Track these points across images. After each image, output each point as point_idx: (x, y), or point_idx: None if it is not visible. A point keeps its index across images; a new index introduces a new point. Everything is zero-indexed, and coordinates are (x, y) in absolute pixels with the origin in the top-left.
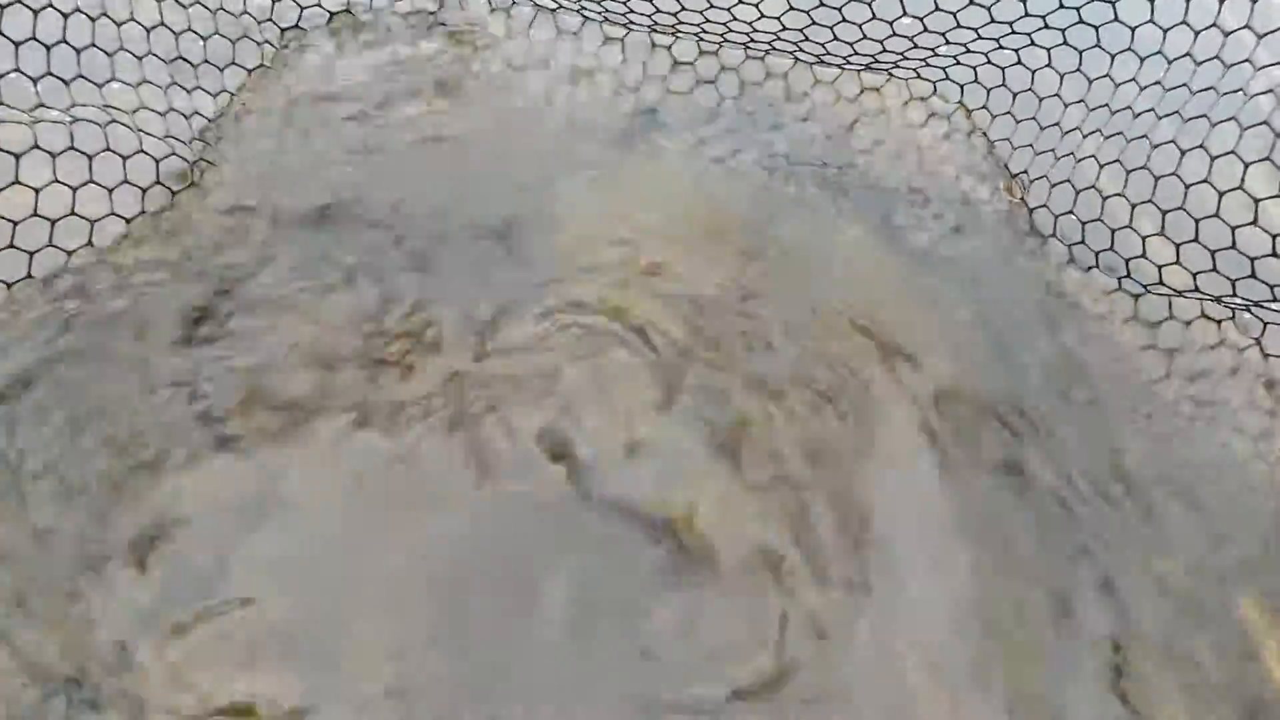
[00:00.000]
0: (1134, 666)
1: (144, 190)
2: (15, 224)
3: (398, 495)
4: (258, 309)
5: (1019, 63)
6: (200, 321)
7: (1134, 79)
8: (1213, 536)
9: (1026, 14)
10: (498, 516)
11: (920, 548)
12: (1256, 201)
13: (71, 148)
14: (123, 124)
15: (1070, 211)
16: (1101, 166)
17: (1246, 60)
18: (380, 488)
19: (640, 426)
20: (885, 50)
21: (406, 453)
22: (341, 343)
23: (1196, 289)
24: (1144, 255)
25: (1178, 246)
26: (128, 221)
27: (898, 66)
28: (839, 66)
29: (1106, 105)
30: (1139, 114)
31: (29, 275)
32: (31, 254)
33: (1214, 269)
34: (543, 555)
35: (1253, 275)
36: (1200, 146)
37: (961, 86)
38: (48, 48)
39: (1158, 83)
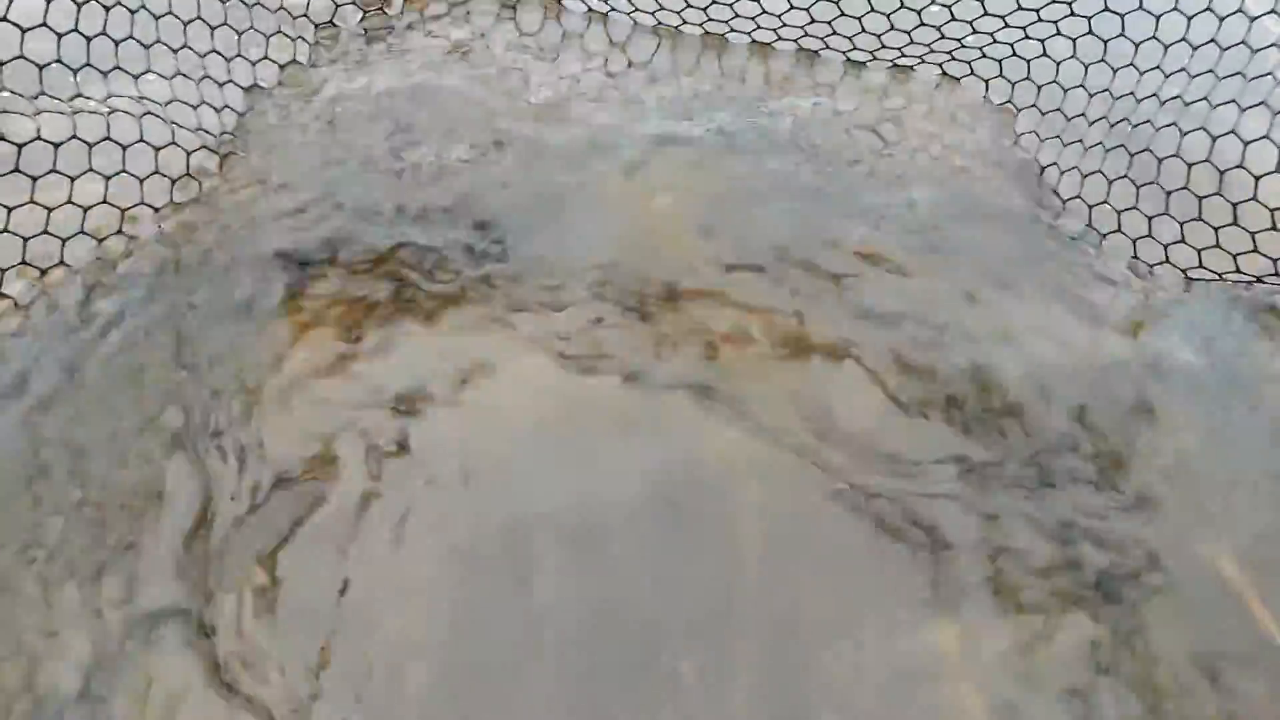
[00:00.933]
0: None
1: (173, 181)
2: (49, 210)
3: None
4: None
5: (1049, 56)
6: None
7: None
8: None
9: (1071, 14)
10: None
11: None
12: None
13: (107, 138)
14: (156, 115)
15: (1105, 201)
16: (1132, 155)
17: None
18: None
19: None
20: (912, 42)
21: None
22: None
23: (1237, 270)
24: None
25: (1216, 230)
26: (156, 210)
27: (923, 62)
28: (868, 58)
29: (1132, 93)
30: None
31: (61, 263)
32: (64, 240)
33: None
34: None
35: None
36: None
37: (987, 81)
38: (88, 39)
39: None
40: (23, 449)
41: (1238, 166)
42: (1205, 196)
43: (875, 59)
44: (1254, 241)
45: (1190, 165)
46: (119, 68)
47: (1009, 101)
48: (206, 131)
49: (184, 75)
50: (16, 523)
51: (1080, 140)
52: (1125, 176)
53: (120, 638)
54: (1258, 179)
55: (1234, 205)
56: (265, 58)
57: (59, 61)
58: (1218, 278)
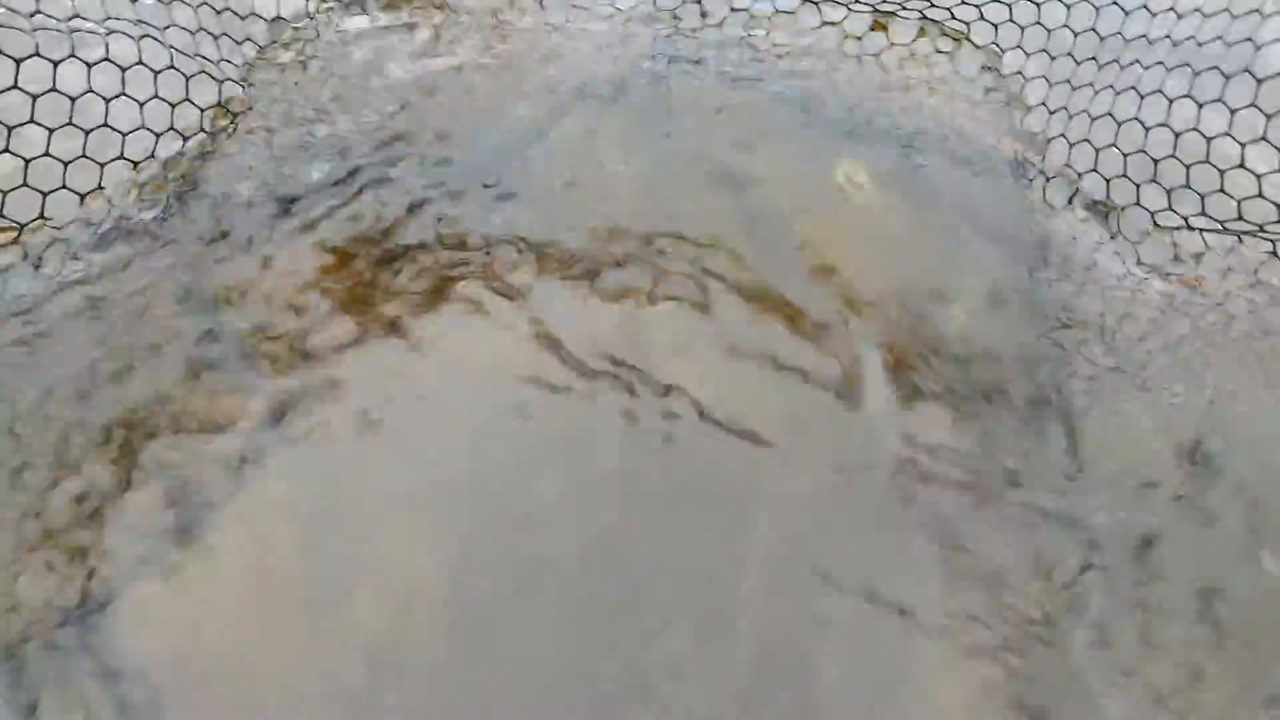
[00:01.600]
0: None
1: (202, 111)
2: (88, 133)
3: None
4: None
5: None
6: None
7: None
8: None
9: None
10: None
11: None
12: None
13: (140, 63)
14: (179, 50)
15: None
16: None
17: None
18: None
19: None
20: None
21: None
22: None
23: (1223, 228)
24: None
25: (1222, 173)
26: (185, 139)
27: (904, 7)
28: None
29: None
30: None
31: (100, 186)
32: (103, 165)
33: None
34: None
35: None
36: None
37: (996, 26)
38: None
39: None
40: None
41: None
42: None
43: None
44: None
45: (1178, 135)
46: None
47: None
48: (230, 62)
49: (208, 4)
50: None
51: (1067, 81)
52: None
53: None
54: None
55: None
56: None
57: None
58: (1219, 226)
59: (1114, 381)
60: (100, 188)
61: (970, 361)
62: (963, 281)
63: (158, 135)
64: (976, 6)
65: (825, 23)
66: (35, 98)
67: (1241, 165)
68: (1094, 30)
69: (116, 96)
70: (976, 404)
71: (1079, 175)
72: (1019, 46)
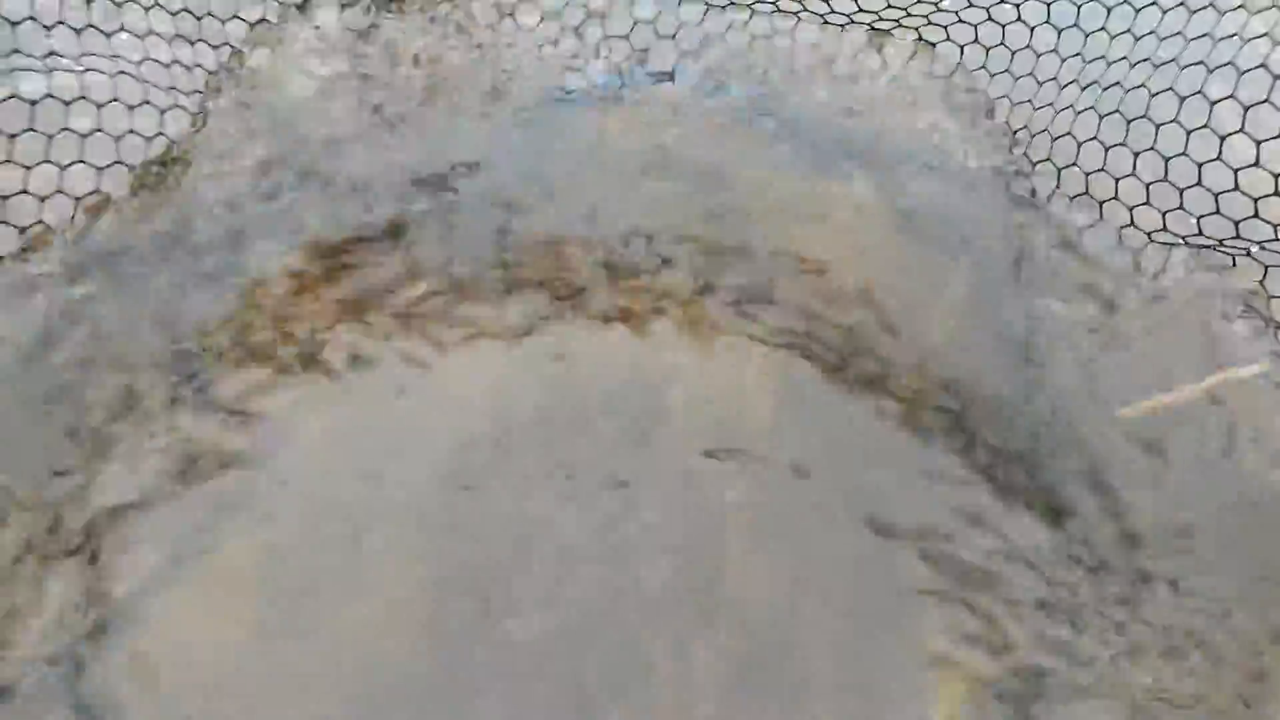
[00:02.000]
0: None
1: (148, 140)
2: (29, 169)
3: None
4: None
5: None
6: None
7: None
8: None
9: None
10: None
11: None
12: (1258, 143)
13: (82, 97)
14: (130, 74)
15: (1073, 164)
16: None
17: (1240, 5)
18: None
19: None
20: (890, 6)
21: None
22: None
23: (1200, 233)
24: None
25: (1181, 191)
26: (132, 170)
27: (899, 25)
28: (842, 26)
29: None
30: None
31: (40, 222)
32: (43, 199)
33: (1217, 212)
34: None
35: (1256, 216)
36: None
37: (961, 47)
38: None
39: (1151, 32)
40: None
41: (1204, 127)
42: (1171, 158)
43: (853, 21)
44: (1217, 203)
45: (1158, 126)
46: (91, 25)
47: (984, 67)
48: (179, 90)
49: (156, 34)
50: None
51: (1050, 104)
52: (1095, 139)
53: None
54: (1223, 139)
55: (1199, 166)
56: (235, 16)
57: (31, 19)
58: (1180, 241)
59: (1091, 388)
60: (75, 218)
61: (953, 379)
62: (944, 295)
63: (132, 169)
64: (944, 27)
65: (803, 14)
66: (13, 137)
67: (1199, 183)
68: (1056, 50)
69: (92, 133)
70: (963, 420)
71: (1055, 187)
72: (986, 56)
